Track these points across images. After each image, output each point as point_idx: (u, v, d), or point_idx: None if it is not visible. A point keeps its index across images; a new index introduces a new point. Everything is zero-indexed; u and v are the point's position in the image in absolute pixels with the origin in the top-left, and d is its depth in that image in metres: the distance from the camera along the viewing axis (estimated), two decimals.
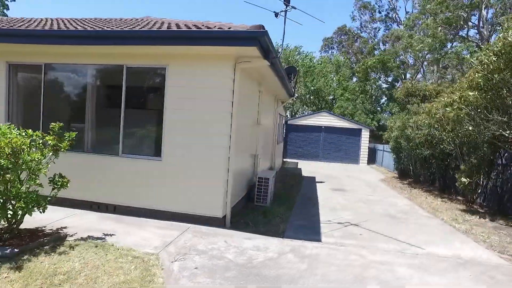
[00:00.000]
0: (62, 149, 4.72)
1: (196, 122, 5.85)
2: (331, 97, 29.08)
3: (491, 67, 6.60)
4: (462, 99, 7.66)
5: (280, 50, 5.80)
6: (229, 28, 5.44)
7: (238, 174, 6.83)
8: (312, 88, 27.96)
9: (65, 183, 4.69)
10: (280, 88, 9.67)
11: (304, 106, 29.30)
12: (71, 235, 4.85)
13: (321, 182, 12.69)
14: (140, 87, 6.22)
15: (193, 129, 5.87)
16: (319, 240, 5.58)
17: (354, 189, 11.28)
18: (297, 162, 20.23)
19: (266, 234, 5.74)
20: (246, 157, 7.51)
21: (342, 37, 43.22)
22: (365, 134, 21.68)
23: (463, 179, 7.98)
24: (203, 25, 5.99)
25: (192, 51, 5.72)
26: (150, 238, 5.07)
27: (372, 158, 22.09)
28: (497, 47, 6.53)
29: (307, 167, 17.68)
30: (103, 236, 4.94)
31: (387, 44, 29.65)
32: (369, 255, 4.98)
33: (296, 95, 29.22)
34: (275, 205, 7.90)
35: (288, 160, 21.40)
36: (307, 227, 6.35)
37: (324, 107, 28.85)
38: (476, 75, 7.30)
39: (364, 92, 25.93)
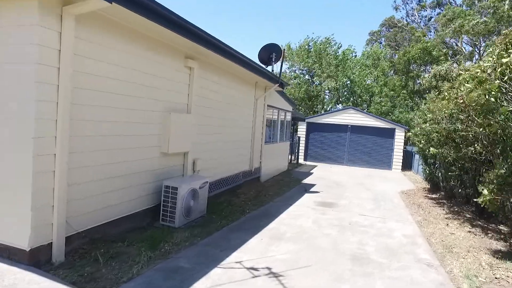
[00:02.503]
0: None
1: (4, 101, 3.61)
2: (367, 95, 24.92)
3: None
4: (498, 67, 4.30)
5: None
6: None
7: (104, 180, 4.42)
8: (346, 82, 24.18)
9: None
10: (231, 65, 7.02)
11: (337, 104, 25.57)
12: None
13: (315, 192, 9.63)
14: None
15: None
16: None
17: (349, 205, 8.09)
18: (315, 166, 17.10)
19: (82, 284, 3.27)
20: (138, 156, 5.02)
21: (390, 30, 38.17)
22: (400, 135, 17.57)
23: (485, 192, 4.56)
24: None
25: None
26: None
27: (407, 164, 17.86)
28: None
29: (321, 172, 14.51)
30: None
31: (434, 32, 24.41)
32: None
33: (327, 90, 25.67)
34: (192, 227, 5.33)
35: (307, 163, 18.34)
36: (174, 276, 3.68)
37: (359, 104, 24.85)
38: None
39: (405, 87, 21.43)
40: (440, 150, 6.58)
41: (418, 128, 8.25)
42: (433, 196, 9.98)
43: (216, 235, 5.08)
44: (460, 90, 5.44)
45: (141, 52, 4.89)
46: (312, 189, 10.01)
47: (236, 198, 7.91)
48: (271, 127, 12.13)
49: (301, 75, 27.72)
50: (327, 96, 25.86)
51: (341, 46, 26.06)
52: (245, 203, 7.45)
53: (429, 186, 11.36)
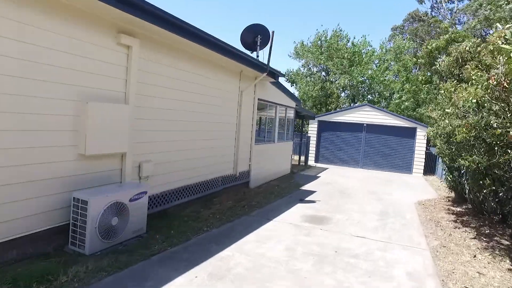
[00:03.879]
0: None
1: None
2: (387, 92, 22.54)
3: None
4: None
5: None
6: None
7: None
8: (360, 78, 21.95)
9: None
10: (195, 47, 5.52)
11: (353, 103, 23.34)
12: None
13: (310, 202, 7.92)
14: None
15: None
16: None
17: (346, 221, 6.34)
18: (326, 168, 15.25)
19: None
20: (37, 158, 3.59)
21: (415, 25, 35.12)
22: (422, 135, 15.26)
23: None
24: None
25: None
26: None
27: (430, 167, 15.52)
28: None
29: (330, 176, 12.70)
30: None
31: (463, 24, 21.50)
32: None
33: (343, 88, 23.51)
34: (113, 253, 3.89)
35: (318, 165, 16.52)
36: None
37: (377, 102, 22.53)
38: None
39: (429, 82, 18.91)
40: (471, 158, 4.68)
41: (435, 127, 6.32)
42: (458, 209, 7.94)
43: (133, 269, 3.59)
44: (494, 66, 3.58)
45: (37, 19, 3.50)
46: (308, 198, 8.29)
47: (207, 209, 6.41)
48: (266, 125, 10.54)
49: (317, 73, 25.80)
50: (343, 94, 23.71)
51: (350, 38, 23.79)
52: (213, 216, 5.93)
53: (453, 195, 9.27)
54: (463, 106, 4.75)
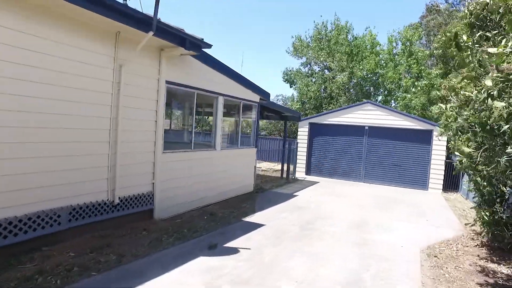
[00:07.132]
0: None
1: None
2: (399, 91, 18.54)
3: None
4: None
5: None
6: None
7: None
8: (363, 72, 18.11)
9: None
10: None
11: (357, 98, 19.39)
12: None
13: (230, 251, 4.46)
14: None
15: None
16: None
17: None
18: (315, 183, 11.63)
19: None
20: None
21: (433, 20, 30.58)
22: (440, 139, 11.32)
23: None
24: None
25: None
26: None
27: (452, 181, 11.44)
28: None
29: (314, 194, 9.16)
30: None
31: None
32: None
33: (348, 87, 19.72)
34: None
35: (308, 178, 12.89)
36: None
37: (384, 101, 18.53)
38: None
39: (445, 76, 14.83)
40: None
41: (452, 112, 2.75)
42: (502, 270, 4.15)
43: None
44: None
45: None
46: (232, 242, 4.80)
47: None
48: (200, 123, 7.20)
49: (319, 71, 22.18)
50: (345, 93, 19.80)
51: (350, 30, 20.05)
52: None
53: (488, 235, 5.38)
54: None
